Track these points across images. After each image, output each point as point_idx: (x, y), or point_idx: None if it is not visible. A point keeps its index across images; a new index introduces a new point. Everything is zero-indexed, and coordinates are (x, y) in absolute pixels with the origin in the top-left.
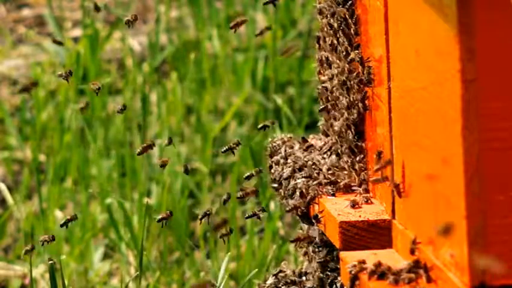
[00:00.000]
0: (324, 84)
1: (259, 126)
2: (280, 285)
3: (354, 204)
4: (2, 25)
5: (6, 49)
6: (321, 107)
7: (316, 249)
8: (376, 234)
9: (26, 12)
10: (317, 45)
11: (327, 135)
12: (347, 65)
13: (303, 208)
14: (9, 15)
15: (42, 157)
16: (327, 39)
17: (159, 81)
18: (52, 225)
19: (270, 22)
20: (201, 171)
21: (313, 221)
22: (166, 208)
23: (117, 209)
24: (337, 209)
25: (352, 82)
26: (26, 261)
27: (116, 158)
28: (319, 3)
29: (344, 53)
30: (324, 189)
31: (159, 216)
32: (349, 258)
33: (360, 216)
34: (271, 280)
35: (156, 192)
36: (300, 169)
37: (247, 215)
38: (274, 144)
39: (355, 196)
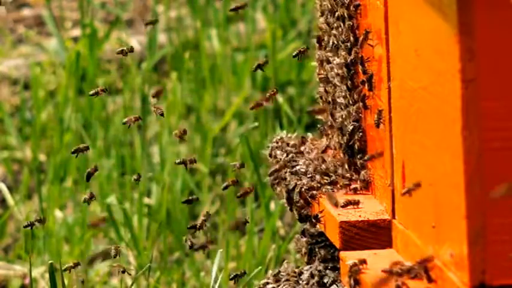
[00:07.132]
0: (323, 84)
1: (179, 135)
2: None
3: (346, 204)
4: (2, 25)
5: (6, 49)
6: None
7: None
8: (376, 234)
9: (26, 12)
10: (317, 45)
11: (327, 135)
12: (346, 65)
13: (303, 208)
14: (9, 15)
15: (42, 157)
16: (327, 38)
17: (158, 81)
18: (52, 225)
19: (270, 22)
20: (201, 171)
21: (313, 220)
22: (167, 208)
23: (117, 209)
24: (337, 208)
25: (352, 82)
26: (26, 261)
27: (116, 158)
28: (320, 3)
29: (344, 53)
30: (324, 189)
31: (224, 184)
32: (349, 258)
33: (360, 216)
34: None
35: (156, 192)
36: (300, 169)
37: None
38: (274, 144)
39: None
